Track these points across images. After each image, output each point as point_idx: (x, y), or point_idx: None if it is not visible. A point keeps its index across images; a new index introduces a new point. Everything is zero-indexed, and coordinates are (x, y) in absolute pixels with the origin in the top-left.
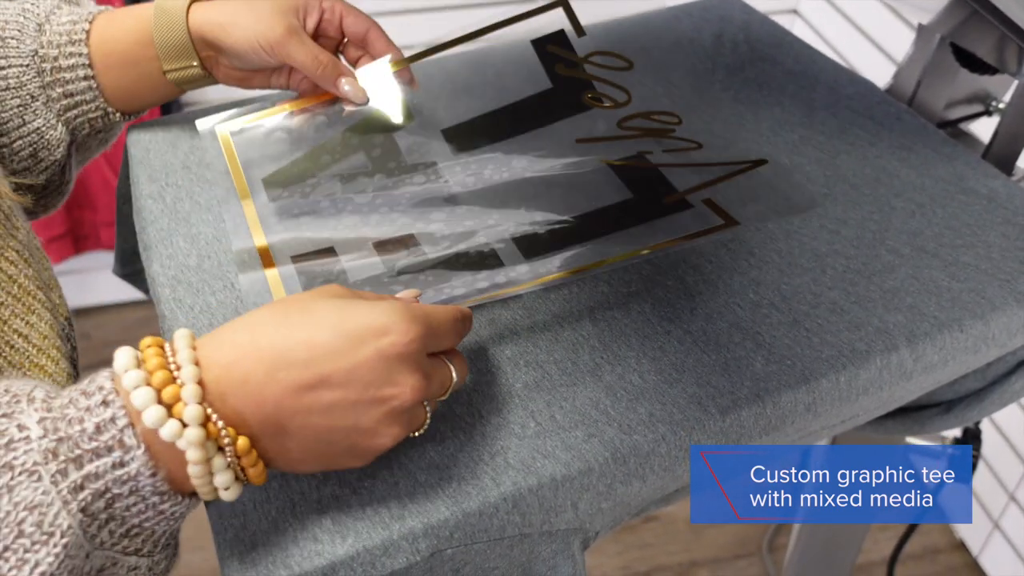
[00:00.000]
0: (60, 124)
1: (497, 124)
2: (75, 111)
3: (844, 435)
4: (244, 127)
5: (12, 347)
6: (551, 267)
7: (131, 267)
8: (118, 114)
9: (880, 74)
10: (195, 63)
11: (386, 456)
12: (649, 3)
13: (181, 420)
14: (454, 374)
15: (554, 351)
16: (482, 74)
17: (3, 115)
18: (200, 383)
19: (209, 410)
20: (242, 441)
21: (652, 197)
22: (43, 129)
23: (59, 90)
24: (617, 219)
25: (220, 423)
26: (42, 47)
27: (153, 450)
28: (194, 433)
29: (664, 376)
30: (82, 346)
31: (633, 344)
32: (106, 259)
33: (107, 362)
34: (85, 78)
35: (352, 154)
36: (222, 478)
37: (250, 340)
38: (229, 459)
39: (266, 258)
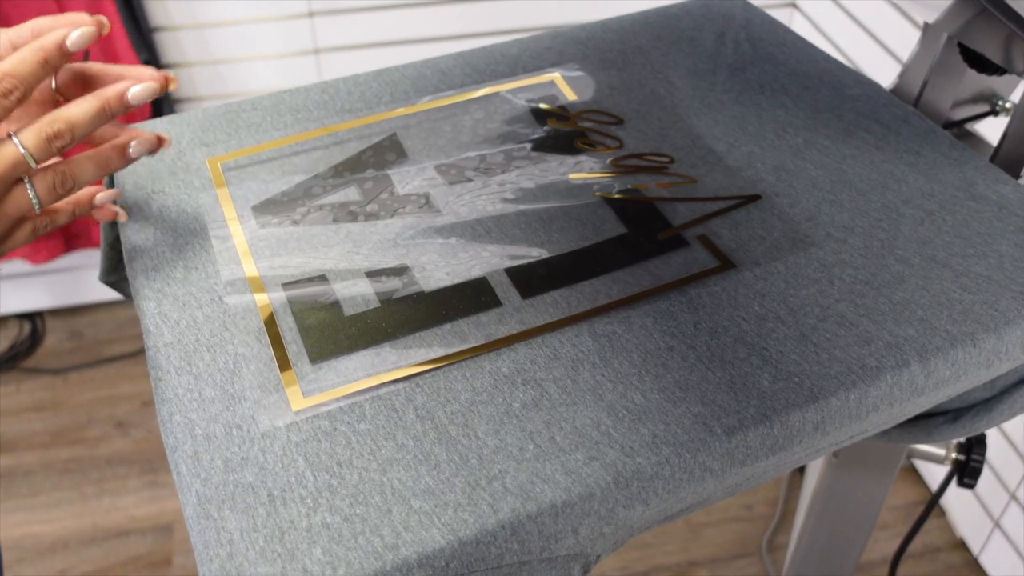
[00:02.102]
0: None
1: (490, 163)
2: None
3: None
4: (236, 159)
5: None
6: (543, 316)
7: (117, 274)
8: None
9: (879, 68)
10: None
11: (379, 482)
12: None
13: None
14: (19, 146)
15: (553, 368)
16: (473, 118)
17: None
18: None
19: None
20: None
21: (647, 232)
22: None
23: None
24: (613, 256)
25: None
26: None
27: None
28: None
29: (667, 395)
30: (75, 345)
31: (635, 361)
32: (97, 257)
33: (101, 361)
34: None
35: (344, 186)
36: None
37: None
38: None
39: (256, 285)
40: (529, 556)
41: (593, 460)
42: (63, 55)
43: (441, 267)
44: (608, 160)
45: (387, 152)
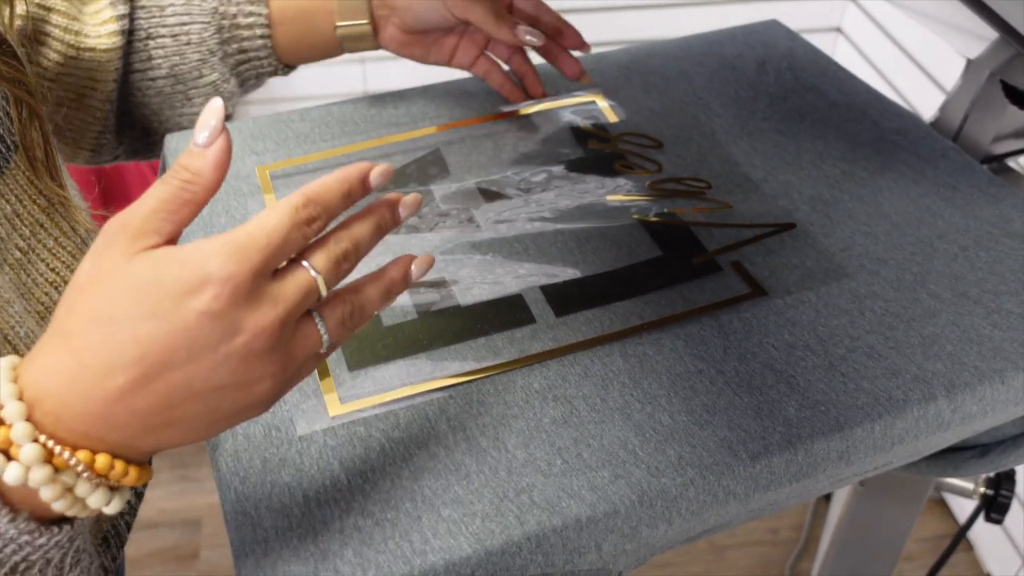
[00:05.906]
0: (233, 77)
1: (530, 182)
2: (247, 66)
3: None
4: (284, 167)
5: None
6: (576, 334)
7: None
8: (284, 68)
9: (922, 94)
10: (365, 20)
11: (410, 488)
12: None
13: (20, 462)
14: (311, 271)
15: (583, 386)
16: (515, 136)
17: (184, 67)
18: (30, 418)
19: (50, 443)
20: (101, 460)
21: (681, 256)
22: (218, 83)
23: (235, 46)
24: (646, 278)
25: (67, 454)
26: (222, 4)
27: (7, 496)
28: (39, 474)
29: (695, 417)
30: None
31: (664, 383)
32: None
33: None
34: (262, 36)
35: None
36: (95, 499)
37: (72, 359)
38: (94, 481)
39: None
40: (552, 569)
41: (619, 478)
42: (364, 190)
43: (478, 282)
44: (646, 183)
45: (430, 167)
